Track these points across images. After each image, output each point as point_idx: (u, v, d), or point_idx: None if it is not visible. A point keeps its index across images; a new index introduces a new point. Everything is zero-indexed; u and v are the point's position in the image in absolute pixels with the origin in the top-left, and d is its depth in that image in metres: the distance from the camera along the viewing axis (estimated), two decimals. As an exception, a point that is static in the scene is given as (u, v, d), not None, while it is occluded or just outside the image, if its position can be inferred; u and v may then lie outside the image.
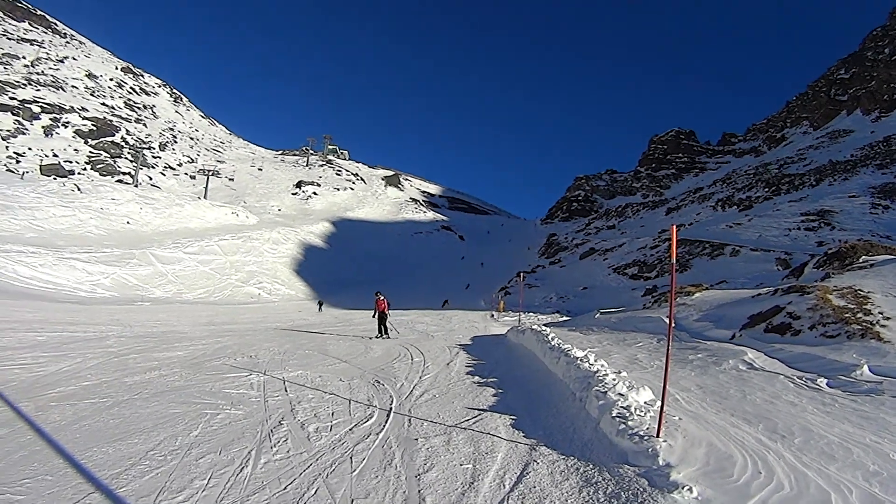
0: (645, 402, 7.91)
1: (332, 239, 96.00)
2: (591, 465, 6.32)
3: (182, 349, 16.36)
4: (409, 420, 8.39)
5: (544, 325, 23.93)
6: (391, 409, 9.10)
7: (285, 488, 5.77)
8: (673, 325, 6.73)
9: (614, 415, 7.37)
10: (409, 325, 28.65)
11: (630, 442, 6.58)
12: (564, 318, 36.16)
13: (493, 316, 41.44)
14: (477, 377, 11.92)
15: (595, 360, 10.63)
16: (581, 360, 10.72)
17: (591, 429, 7.55)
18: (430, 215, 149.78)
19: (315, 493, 5.66)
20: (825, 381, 9.45)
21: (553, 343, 13.42)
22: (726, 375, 10.53)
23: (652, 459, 6.07)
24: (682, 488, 5.33)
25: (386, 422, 8.25)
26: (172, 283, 51.11)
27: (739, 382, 9.88)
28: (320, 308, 44.79)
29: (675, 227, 7.19)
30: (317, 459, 6.64)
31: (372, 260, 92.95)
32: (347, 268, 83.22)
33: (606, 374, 9.31)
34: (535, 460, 6.55)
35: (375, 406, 9.29)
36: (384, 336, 22.33)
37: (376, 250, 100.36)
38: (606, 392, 8.23)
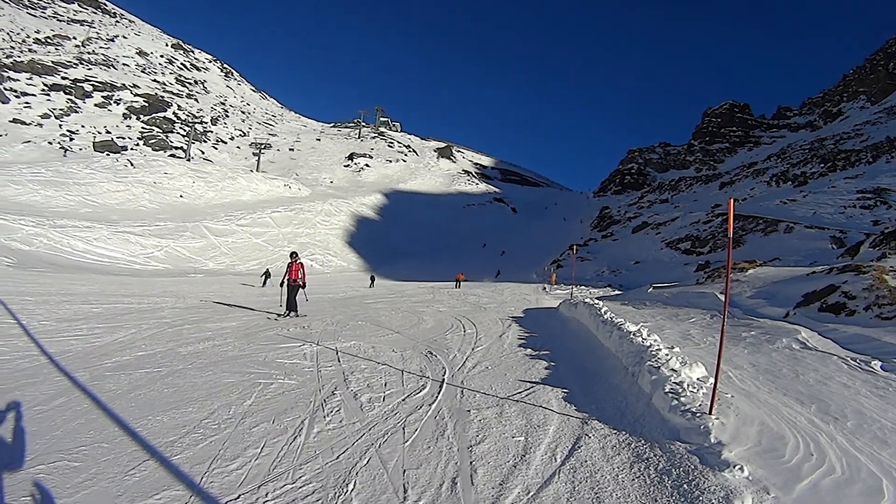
0: (697, 379, 7.76)
1: (384, 211, 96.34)
2: (642, 441, 6.23)
3: (235, 320, 16.61)
4: (462, 391, 8.33)
5: (597, 298, 23.65)
6: (444, 380, 9.05)
7: (338, 458, 5.79)
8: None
9: (667, 390, 7.25)
10: (460, 297, 28.78)
11: (682, 418, 6.47)
12: (616, 292, 36.12)
13: (545, 289, 41.56)
14: (529, 350, 11.80)
15: (648, 335, 10.45)
16: (634, 334, 10.55)
17: (644, 404, 7.44)
18: (483, 187, 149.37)
19: (367, 462, 5.66)
20: (879, 363, 9.16)
21: (606, 317, 13.25)
22: (779, 354, 10.30)
23: (704, 437, 5.96)
24: (734, 467, 5.22)
25: (438, 393, 8.22)
26: (225, 255, 52.04)
27: (792, 362, 9.66)
28: (372, 283, 44.40)
29: (732, 200, 6.97)
30: (369, 429, 6.64)
31: (424, 232, 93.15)
32: (399, 240, 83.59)
33: (659, 350, 9.13)
34: (586, 434, 6.47)
35: (428, 377, 9.25)
36: (292, 314, 18.18)
37: (428, 222, 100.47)
38: (659, 367, 8.09)
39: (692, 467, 5.39)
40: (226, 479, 5.25)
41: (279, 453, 5.91)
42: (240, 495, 4.94)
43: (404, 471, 5.46)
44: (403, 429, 6.65)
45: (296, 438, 6.34)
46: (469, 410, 7.33)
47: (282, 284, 18.78)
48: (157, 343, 12.01)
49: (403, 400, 7.86)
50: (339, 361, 10.43)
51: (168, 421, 6.81)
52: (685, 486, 5.06)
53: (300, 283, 18.50)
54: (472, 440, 6.26)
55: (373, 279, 45.76)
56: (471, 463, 5.64)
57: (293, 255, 19.31)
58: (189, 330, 14.08)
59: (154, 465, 5.50)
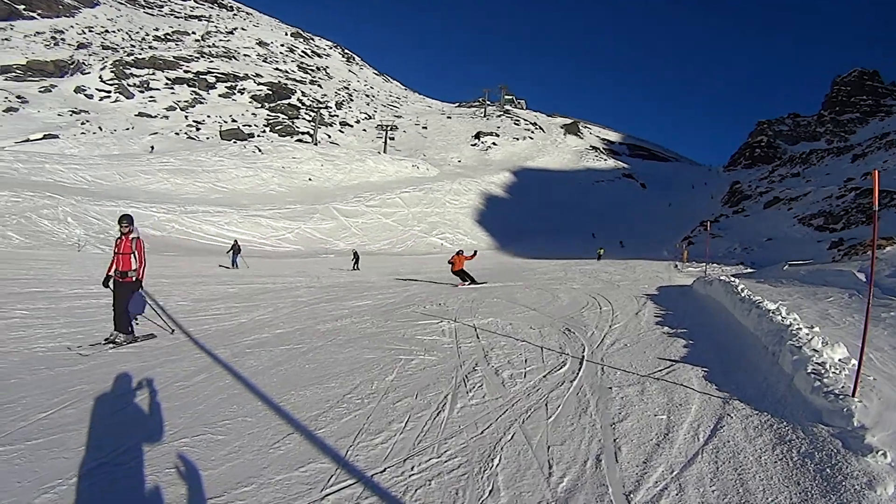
0: (839, 360, 7.27)
1: (512, 189, 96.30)
2: (784, 423, 5.94)
3: (371, 298, 16.89)
4: (602, 369, 8.16)
5: (731, 276, 22.81)
6: (583, 357, 8.86)
7: (482, 433, 5.80)
8: (868, 280, 6.02)
9: (808, 371, 6.85)
10: (593, 274, 28.46)
11: (825, 400, 6.10)
12: (749, 270, 34.94)
13: (676, 266, 40.71)
14: (666, 328, 11.44)
15: (787, 314, 9.85)
16: (773, 312, 10.01)
17: (785, 385, 7.09)
18: (611, 163, 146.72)
19: (511, 438, 5.66)
20: None
21: (743, 294, 12.64)
22: (922, 336, 9.51)
23: (846, 420, 5.60)
24: (877, 453, 4.90)
25: (579, 370, 8.07)
26: (356, 236, 53.38)
27: (936, 344, 8.90)
28: (356, 263, 38.71)
29: (877, 172, 6.39)
30: (512, 405, 6.63)
31: (553, 209, 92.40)
32: (528, 217, 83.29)
33: (800, 329, 8.61)
34: (728, 414, 6.25)
35: (567, 354, 9.08)
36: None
37: (557, 199, 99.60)
38: (801, 347, 7.65)
39: (834, 451, 5.14)
40: (371, 453, 5.32)
41: (423, 428, 5.96)
42: (385, 469, 5.00)
43: (548, 447, 5.44)
44: (546, 405, 6.62)
45: (439, 413, 6.39)
46: (610, 388, 7.25)
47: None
48: (294, 321, 12.39)
49: (544, 376, 7.79)
50: (477, 338, 10.40)
51: (311, 396, 6.96)
52: (827, 469, 4.85)
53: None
54: (615, 417, 6.20)
55: (356, 258, 36.70)
56: (614, 440, 5.59)
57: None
58: (325, 308, 14.46)
59: (299, 439, 5.61)
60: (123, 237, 10.52)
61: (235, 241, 33.89)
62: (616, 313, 13.45)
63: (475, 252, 24.13)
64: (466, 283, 21.86)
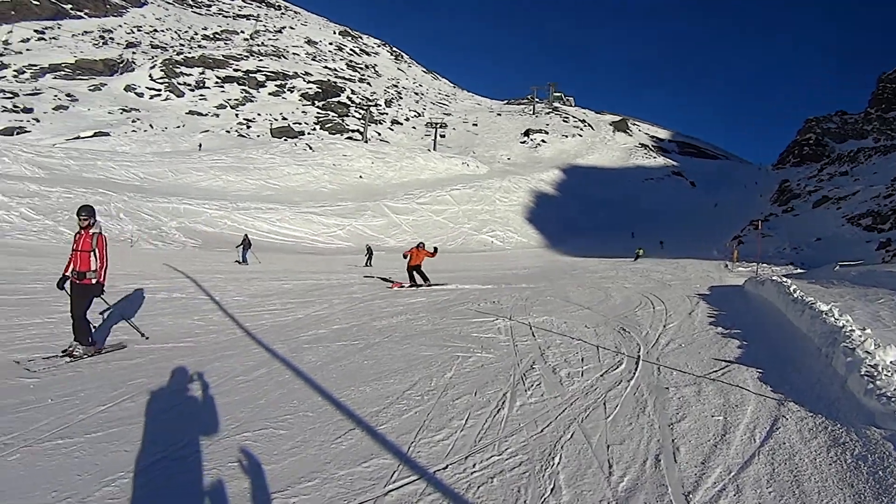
0: (891, 362, 7.22)
1: (561, 186, 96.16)
2: (838, 425, 5.90)
3: (424, 295, 17.04)
4: (658, 368, 8.22)
5: (782, 276, 22.59)
6: (639, 356, 8.92)
7: (542, 431, 5.84)
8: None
9: (862, 373, 6.81)
10: (643, 274, 28.63)
11: (878, 403, 6.07)
12: (799, 270, 34.63)
13: (727, 266, 40.42)
14: (720, 328, 11.47)
15: (840, 315, 9.70)
16: (826, 314, 9.90)
17: (838, 386, 7.07)
18: (661, 161, 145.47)
19: (571, 437, 5.69)
20: None
21: (796, 295, 12.47)
22: (972, 340, 9.34)
23: None
24: None
25: (635, 369, 8.15)
26: (406, 233, 53.75)
27: None
28: (369, 259, 36.90)
29: None
30: (570, 404, 6.67)
31: (603, 207, 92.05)
32: (577, 215, 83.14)
33: (853, 330, 8.53)
34: (783, 416, 6.25)
35: (623, 353, 9.14)
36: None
37: (607, 197, 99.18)
38: (854, 349, 7.59)
39: (887, 454, 5.09)
40: (433, 450, 5.38)
41: (483, 425, 6.01)
42: (447, 465, 5.05)
43: (608, 446, 5.49)
44: (604, 404, 6.67)
45: (499, 411, 6.43)
46: (667, 388, 7.31)
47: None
48: (350, 317, 12.54)
49: (601, 375, 7.86)
50: (533, 336, 10.47)
51: (370, 392, 7.04)
52: (880, 472, 4.82)
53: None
54: (673, 418, 6.25)
55: (369, 254, 35.84)
56: (672, 441, 5.63)
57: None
58: (380, 305, 14.62)
59: (360, 434, 5.67)
60: (83, 231, 9.20)
61: (246, 235, 33.68)
62: (669, 313, 13.57)
63: (436, 249, 22.55)
64: (419, 283, 20.54)
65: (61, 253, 24.26)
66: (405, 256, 21.00)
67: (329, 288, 18.03)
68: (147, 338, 9.77)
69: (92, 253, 9.08)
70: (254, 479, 4.70)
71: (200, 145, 79.03)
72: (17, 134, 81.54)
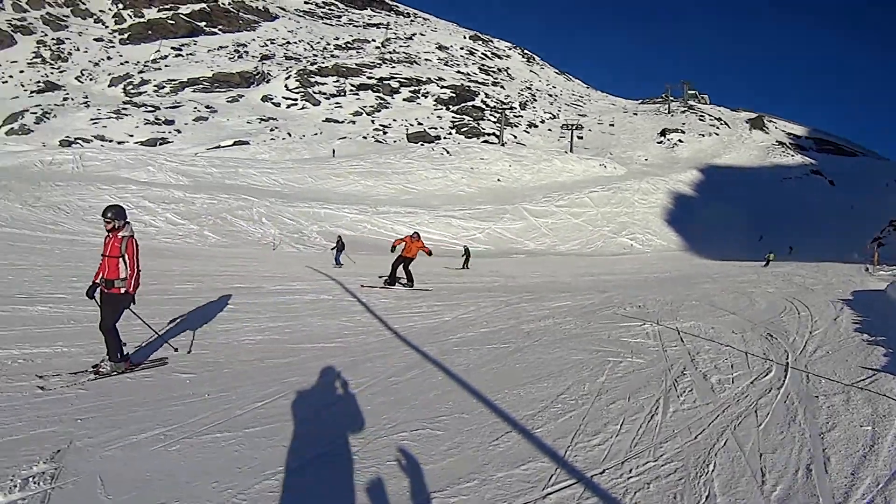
0: None
1: (699, 187, 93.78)
2: None
3: (569, 299, 16.95)
4: (807, 376, 8.15)
5: None
6: (788, 363, 8.85)
7: (695, 438, 5.86)
8: None
9: None
10: (785, 278, 28.15)
11: None
12: None
13: (867, 269, 38.30)
14: (865, 335, 11.11)
15: None
16: None
17: None
18: (798, 159, 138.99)
19: (724, 444, 5.70)
20: None
21: None
22: None
23: None
24: None
25: (784, 377, 8.08)
26: (545, 236, 53.66)
27: None
28: (466, 261, 35.39)
29: None
30: (722, 411, 6.67)
31: (741, 208, 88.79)
32: (716, 217, 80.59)
33: None
34: None
35: (771, 360, 9.08)
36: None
37: (746, 197, 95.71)
38: None
39: None
40: (589, 454, 5.41)
41: (638, 431, 6.05)
42: (604, 470, 5.09)
43: (760, 454, 5.48)
44: (756, 412, 6.64)
45: (653, 417, 6.47)
46: (816, 396, 7.21)
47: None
48: (497, 320, 12.63)
49: (752, 382, 7.81)
50: (682, 341, 10.46)
51: (524, 395, 7.09)
52: None
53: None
54: (823, 427, 6.16)
55: (467, 255, 33.51)
56: (823, 450, 5.58)
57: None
58: (526, 308, 14.63)
59: (517, 437, 5.72)
60: (110, 235, 8.08)
61: (339, 237, 33.09)
62: (815, 318, 13.42)
63: (430, 252, 20.14)
64: (400, 282, 18.71)
65: (206, 256, 25.49)
66: (393, 248, 19.23)
67: (474, 291, 18.27)
68: (177, 350, 8.82)
69: (121, 259, 7.98)
70: (412, 478, 4.79)
71: (334, 152, 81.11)
72: (160, 144, 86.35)
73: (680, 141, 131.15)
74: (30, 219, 33.33)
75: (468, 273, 26.53)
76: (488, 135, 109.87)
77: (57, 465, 4.87)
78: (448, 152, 72.30)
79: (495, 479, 4.77)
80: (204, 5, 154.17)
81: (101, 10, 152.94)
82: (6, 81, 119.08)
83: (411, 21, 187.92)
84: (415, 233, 20.22)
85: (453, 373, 7.98)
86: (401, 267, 18.63)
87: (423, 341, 10.11)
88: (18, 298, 12.03)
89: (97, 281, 7.92)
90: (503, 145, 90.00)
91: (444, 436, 5.67)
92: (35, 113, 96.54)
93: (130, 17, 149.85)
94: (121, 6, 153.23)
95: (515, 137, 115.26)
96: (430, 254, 19.92)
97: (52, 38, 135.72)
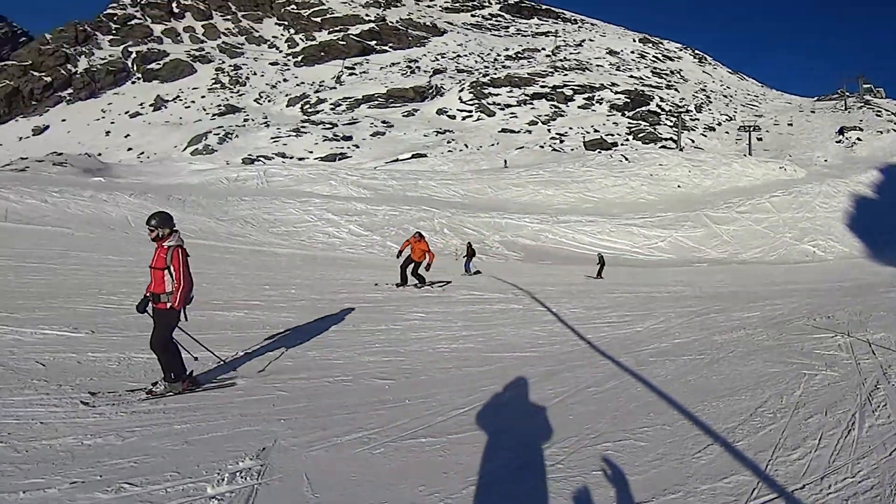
0: None
1: (881, 188, 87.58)
2: None
3: (757, 309, 16.46)
4: None
5: None
6: None
7: (891, 454, 5.69)
8: None
9: None
10: None
11: None
12: None
13: None
14: None
15: None
16: None
17: None
18: None
19: None
20: None
21: None
22: None
23: None
24: None
25: None
26: (727, 244, 51.95)
27: None
28: (600, 269, 31.52)
29: None
30: None
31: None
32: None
33: None
34: None
35: None
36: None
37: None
38: None
39: None
40: (789, 469, 5.40)
41: (836, 446, 5.94)
42: (804, 485, 5.06)
43: None
44: None
45: (850, 432, 6.31)
46: None
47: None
48: (689, 331, 12.57)
49: None
50: (873, 353, 9.97)
51: (723, 408, 7.09)
52: None
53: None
54: None
55: (601, 263, 30.60)
56: None
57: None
58: (716, 319, 14.42)
59: (718, 450, 5.75)
60: (157, 245, 7.48)
61: (469, 243, 31.77)
62: None
63: (431, 257, 19.31)
64: (416, 284, 19.08)
65: (389, 266, 26.36)
66: (400, 253, 19.53)
67: (662, 301, 18.13)
68: (224, 362, 8.42)
69: (166, 271, 7.33)
70: (618, 488, 4.91)
71: (506, 162, 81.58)
72: (339, 160, 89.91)
73: (858, 139, 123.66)
74: (218, 231, 35.56)
75: (654, 283, 25.80)
76: (665, 140, 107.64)
77: (263, 462, 5.25)
78: (626, 159, 71.28)
79: (699, 492, 4.85)
80: (373, 25, 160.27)
81: (273, 37, 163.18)
82: (188, 106, 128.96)
83: (579, 27, 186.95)
84: (417, 232, 20.20)
85: (652, 384, 8.04)
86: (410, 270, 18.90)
87: (617, 352, 10.21)
88: (215, 304, 13.04)
89: (147, 294, 7.42)
90: (681, 150, 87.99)
91: (648, 447, 5.76)
92: (218, 134, 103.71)
93: (302, 40, 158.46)
94: (292, 31, 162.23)
95: (693, 141, 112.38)
96: (430, 262, 19.12)
97: (230, 65, 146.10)
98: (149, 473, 4.92)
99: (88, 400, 6.64)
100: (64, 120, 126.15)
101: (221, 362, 8.39)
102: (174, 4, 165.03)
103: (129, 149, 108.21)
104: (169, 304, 7.19)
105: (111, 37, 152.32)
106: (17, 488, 4.59)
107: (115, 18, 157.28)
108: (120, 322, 10.60)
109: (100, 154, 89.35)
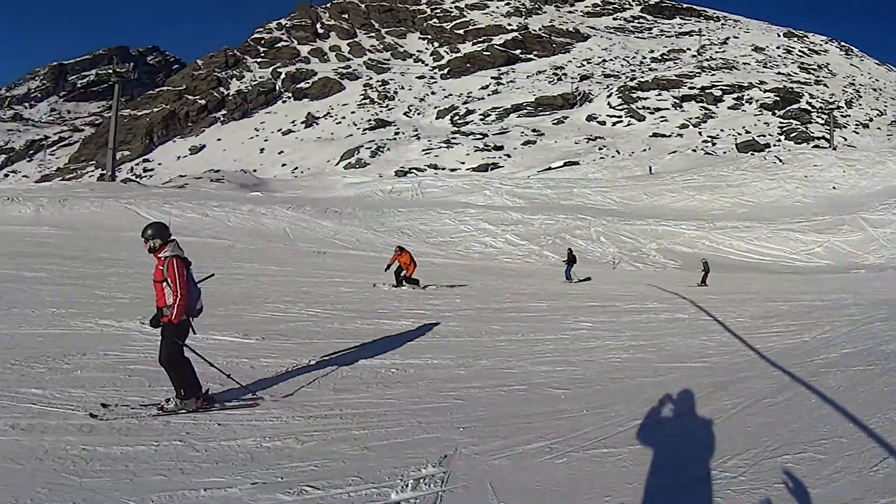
0: None
1: None
2: None
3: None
4: None
5: None
6: None
7: None
8: None
9: None
10: None
11: None
12: None
13: None
14: None
15: None
16: None
17: None
18: None
19: None
20: None
21: None
22: None
23: None
24: None
25: None
26: (884, 248, 48.82)
27: None
28: (705, 276, 29.91)
29: None
30: None
31: None
32: None
33: None
34: None
35: None
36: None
37: None
38: None
39: None
40: None
41: None
42: None
43: None
44: None
45: None
46: None
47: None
48: (855, 341, 12.11)
49: None
50: None
51: None
52: None
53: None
54: None
55: (706, 270, 30.16)
56: None
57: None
58: (881, 328, 13.66)
59: (894, 464, 5.60)
60: (155, 258, 7.13)
61: (570, 249, 30.63)
62: None
63: (412, 267, 21.47)
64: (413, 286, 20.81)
65: (549, 275, 26.69)
66: (388, 267, 21.33)
67: (825, 309, 17.58)
68: (230, 376, 7.68)
69: (164, 284, 6.94)
70: (801, 502, 4.95)
71: (650, 169, 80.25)
72: (491, 169, 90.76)
73: None
74: (375, 242, 36.95)
75: (813, 290, 24.64)
76: (817, 139, 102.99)
77: (445, 469, 5.41)
78: (780, 160, 69.07)
79: (877, 508, 4.79)
80: (516, 34, 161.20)
81: (418, 51, 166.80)
82: (339, 122, 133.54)
83: (722, 25, 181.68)
84: (398, 247, 22.48)
85: (826, 395, 7.89)
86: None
87: (787, 362, 10.08)
88: (381, 313, 13.77)
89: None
90: (834, 149, 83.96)
91: (826, 459, 5.72)
92: (369, 148, 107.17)
93: (447, 53, 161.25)
94: (437, 44, 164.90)
95: (845, 139, 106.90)
96: (412, 272, 21.04)
97: (377, 80, 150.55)
98: (330, 477, 5.24)
99: (98, 412, 6.58)
100: (219, 139, 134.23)
101: (227, 376, 7.75)
102: (318, 25, 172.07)
103: (283, 164, 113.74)
104: (169, 318, 6.89)
105: (260, 59, 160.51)
106: (198, 486, 4.98)
107: (262, 42, 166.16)
108: (289, 329, 11.61)
109: (255, 170, 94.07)
